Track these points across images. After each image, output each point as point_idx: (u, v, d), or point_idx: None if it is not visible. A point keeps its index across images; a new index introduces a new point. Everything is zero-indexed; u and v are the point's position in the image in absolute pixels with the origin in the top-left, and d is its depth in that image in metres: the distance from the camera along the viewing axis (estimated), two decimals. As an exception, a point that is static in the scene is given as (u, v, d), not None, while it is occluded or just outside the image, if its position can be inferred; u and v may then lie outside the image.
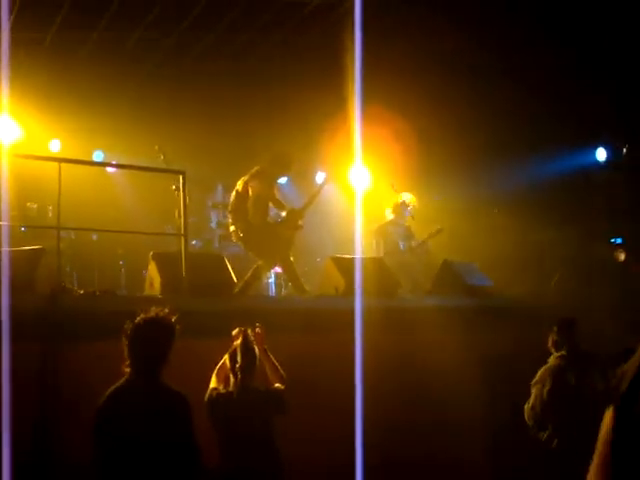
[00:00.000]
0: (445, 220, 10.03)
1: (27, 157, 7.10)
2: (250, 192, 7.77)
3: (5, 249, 5.55)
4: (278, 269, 9.57)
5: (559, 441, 5.86)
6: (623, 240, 10.74)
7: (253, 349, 4.81)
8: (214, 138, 10.99)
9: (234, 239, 8.07)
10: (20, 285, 5.54)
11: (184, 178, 6.69)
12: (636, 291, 8.86)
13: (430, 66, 10.06)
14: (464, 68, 10.22)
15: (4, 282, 4.98)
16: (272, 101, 10.66)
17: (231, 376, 4.79)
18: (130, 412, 3.94)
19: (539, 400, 5.91)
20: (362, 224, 8.69)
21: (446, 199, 11.00)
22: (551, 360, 6.01)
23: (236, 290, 7.07)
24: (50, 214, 9.34)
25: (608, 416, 1.97)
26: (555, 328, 6.04)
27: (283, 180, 9.41)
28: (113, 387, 4.05)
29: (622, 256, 10.20)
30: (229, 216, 8.07)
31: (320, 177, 12.33)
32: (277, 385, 4.91)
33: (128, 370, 4.05)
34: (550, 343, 6.07)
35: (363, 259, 7.52)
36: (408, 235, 9.51)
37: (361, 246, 8.37)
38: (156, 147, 7.97)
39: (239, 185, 7.91)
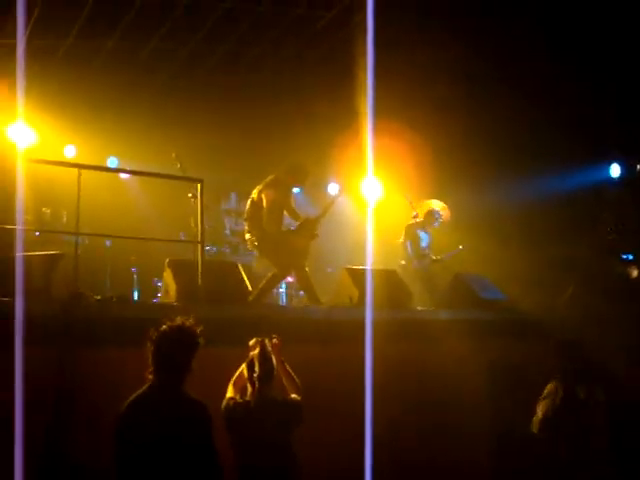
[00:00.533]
0: (456, 232, 10.06)
1: (47, 163, 7.12)
2: (265, 200, 7.79)
3: (21, 254, 5.56)
4: (290, 279, 9.59)
5: (567, 451, 6.02)
6: (634, 256, 10.71)
7: (271, 359, 4.80)
8: (227, 146, 11.05)
9: (250, 247, 8.10)
10: (37, 290, 5.57)
11: (202, 186, 6.70)
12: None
13: (439, 78, 10.11)
14: (475, 81, 10.25)
15: (19, 286, 4.99)
16: (285, 112, 10.72)
17: (248, 386, 4.79)
18: (152, 420, 3.94)
19: (550, 412, 6.07)
20: (373, 235, 8.72)
21: (457, 211, 11.00)
22: (558, 376, 6.21)
23: (251, 298, 7.08)
24: (64, 219, 9.38)
25: None
26: (556, 349, 6.35)
27: (296, 190, 9.44)
28: (135, 394, 4.06)
29: (635, 272, 10.18)
30: (245, 224, 8.09)
31: (332, 188, 12.39)
32: (294, 396, 4.91)
33: (151, 377, 4.05)
34: (554, 361, 6.33)
35: (376, 270, 7.53)
36: (431, 244, 9.58)
37: (373, 255, 8.37)
38: (173, 155, 7.99)
39: (254, 194, 7.93)
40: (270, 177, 7.96)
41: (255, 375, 4.75)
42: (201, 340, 4.13)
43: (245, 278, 6.85)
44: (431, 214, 9.52)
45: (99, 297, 5.99)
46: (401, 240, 9.50)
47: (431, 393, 6.92)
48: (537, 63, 9.82)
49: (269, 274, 7.95)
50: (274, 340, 4.98)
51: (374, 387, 5.40)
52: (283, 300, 9.97)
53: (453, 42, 9.53)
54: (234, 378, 4.94)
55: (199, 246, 6.54)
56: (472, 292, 8.13)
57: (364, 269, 7.38)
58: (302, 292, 9.31)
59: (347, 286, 7.37)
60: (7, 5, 7.44)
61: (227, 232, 10.86)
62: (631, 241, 10.84)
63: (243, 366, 4.88)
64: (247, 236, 7.99)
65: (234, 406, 4.76)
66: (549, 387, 6.19)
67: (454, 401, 7.07)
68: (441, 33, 9.29)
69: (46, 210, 9.45)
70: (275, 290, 9.56)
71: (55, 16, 8.81)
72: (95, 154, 10.13)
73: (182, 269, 6.56)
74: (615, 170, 11.62)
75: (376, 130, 6.62)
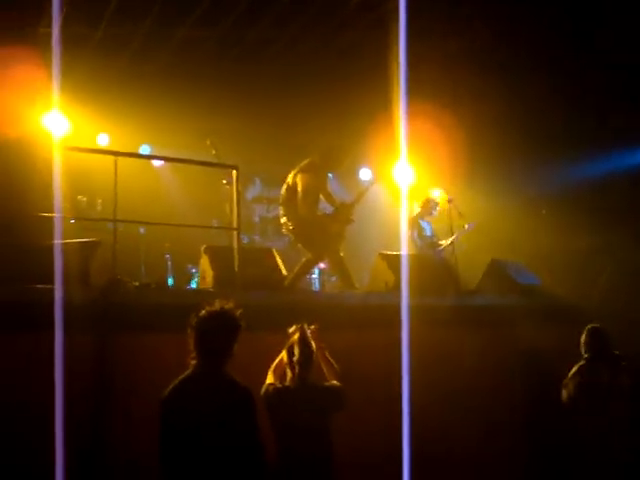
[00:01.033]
0: (489, 218, 10.00)
1: (84, 150, 7.19)
2: (300, 184, 7.77)
3: (59, 241, 5.60)
4: (322, 265, 9.59)
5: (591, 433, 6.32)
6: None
7: (310, 344, 4.81)
8: (257, 133, 11.06)
9: (285, 231, 8.08)
10: (76, 277, 5.61)
11: (237, 172, 6.71)
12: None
13: (471, 66, 10.00)
14: (507, 69, 10.14)
15: (58, 273, 5.03)
16: (315, 96, 10.64)
17: (288, 371, 4.81)
18: (195, 403, 3.95)
19: (573, 393, 6.40)
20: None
21: (490, 198, 10.94)
22: (582, 361, 6.51)
23: (286, 283, 7.08)
24: (99, 207, 9.46)
25: None
26: (584, 335, 6.56)
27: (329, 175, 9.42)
28: (178, 379, 4.08)
29: None
30: (280, 209, 8.08)
31: (364, 174, 12.35)
32: (334, 382, 4.91)
33: (194, 362, 4.07)
34: (581, 346, 6.57)
35: (411, 256, 7.50)
36: (435, 231, 9.76)
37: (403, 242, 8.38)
38: (208, 142, 7.99)
39: (290, 178, 7.91)
40: (306, 161, 7.94)
41: (295, 359, 4.76)
42: (242, 323, 4.15)
43: (280, 264, 6.86)
44: (428, 203, 9.82)
45: (137, 283, 6.04)
46: (408, 232, 9.56)
47: (467, 379, 6.88)
48: (568, 51, 9.71)
49: (303, 259, 7.95)
50: (312, 327, 4.98)
51: (410, 373, 5.38)
52: (316, 286, 9.96)
53: (484, 30, 9.46)
54: (274, 365, 4.96)
55: (235, 232, 6.56)
56: (508, 278, 8.07)
57: (399, 254, 7.36)
58: (335, 277, 9.31)
59: (382, 271, 7.35)
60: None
61: (256, 219, 10.87)
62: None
63: (283, 353, 4.89)
64: (282, 220, 7.97)
65: (274, 391, 4.77)
66: (574, 369, 6.46)
67: (489, 387, 7.05)
68: (472, 21, 9.24)
69: (82, 198, 9.53)
70: (308, 276, 9.56)
71: (87, 4, 8.86)
72: (128, 142, 10.18)
73: (219, 255, 6.58)
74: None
75: (408, 116, 6.58)
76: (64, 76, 6.47)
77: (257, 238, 10.77)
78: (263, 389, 4.81)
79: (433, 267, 7.65)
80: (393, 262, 7.26)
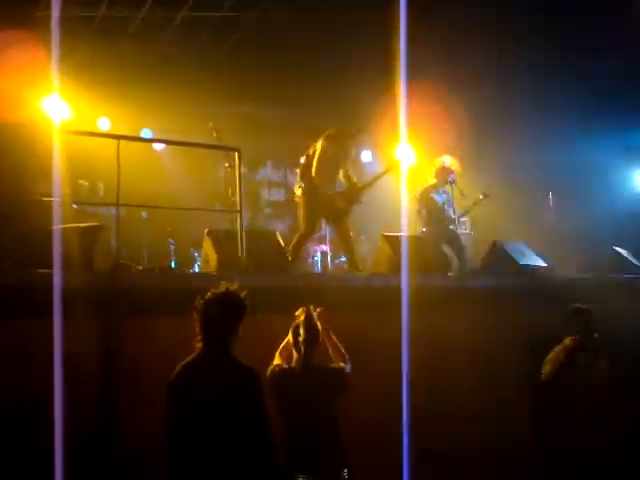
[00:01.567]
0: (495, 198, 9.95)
1: (86, 134, 7.15)
2: (318, 151, 7.75)
3: (59, 226, 5.58)
4: (324, 247, 9.57)
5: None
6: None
7: (316, 325, 4.82)
8: (261, 116, 11.00)
9: (296, 199, 8.01)
10: (79, 262, 5.60)
11: (239, 155, 6.69)
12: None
13: (473, 43, 9.93)
14: (510, 44, 10.07)
15: (57, 258, 5.01)
16: (320, 77, 10.59)
17: (294, 352, 4.81)
18: (202, 386, 3.97)
19: (551, 376, 6.35)
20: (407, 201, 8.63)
21: (495, 177, 10.92)
22: (565, 341, 6.42)
23: (290, 257, 7.09)
24: (101, 192, 9.45)
25: None
26: (569, 314, 6.49)
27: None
28: (184, 361, 4.09)
29: None
30: (297, 180, 8.05)
31: (366, 155, 12.31)
32: (341, 364, 4.92)
33: (200, 345, 4.08)
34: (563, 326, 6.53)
35: (412, 237, 7.47)
36: (451, 203, 9.11)
37: (406, 218, 8.26)
38: (210, 124, 7.97)
39: (310, 149, 7.90)
40: (327, 131, 7.89)
41: (300, 339, 4.77)
42: (247, 303, 4.15)
43: (284, 246, 6.86)
44: (441, 171, 9.07)
45: (141, 267, 6.03)
46: (416, 208, 9.05)
47: (469, 360, 6.89)
48: (571, 25, 9.64)
49: (297, 234, 7.92)
50: (318, 310, 4.99)
51: (411, 355, 5.39)
52: (318, 269, 9.96)
53: (486, 6, 9.37)
54: (280, 347, 4.97)
55: (238, 215, 6.55)
56: (510, 259, 8.05)
57: (399, 236, 7.35)
58: (343, 258, 9.21)
59: (386, 253, 7.35)
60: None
61: (261, 202, 10.87)
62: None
63: (289, 336, 4.90)
64: (297, 191, 7.93)
65: (279, 372, 4.79)
66: (551, 354, 6.42)
67: (492, 367, 7.05)
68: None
69: (84, 183, 9.51)
70: (310, 259, 9.55)
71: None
72: (129, 126, 10.12)
73: (222, 239, 6.56)
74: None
75: (409, 97, 6.55)
76: (63, 60, 6.40)
77: (260, 221, 10.76)
78: (269, 370, 4.82)
79: (426, 249, 7.62)
80: (395, 243, 7.26)
